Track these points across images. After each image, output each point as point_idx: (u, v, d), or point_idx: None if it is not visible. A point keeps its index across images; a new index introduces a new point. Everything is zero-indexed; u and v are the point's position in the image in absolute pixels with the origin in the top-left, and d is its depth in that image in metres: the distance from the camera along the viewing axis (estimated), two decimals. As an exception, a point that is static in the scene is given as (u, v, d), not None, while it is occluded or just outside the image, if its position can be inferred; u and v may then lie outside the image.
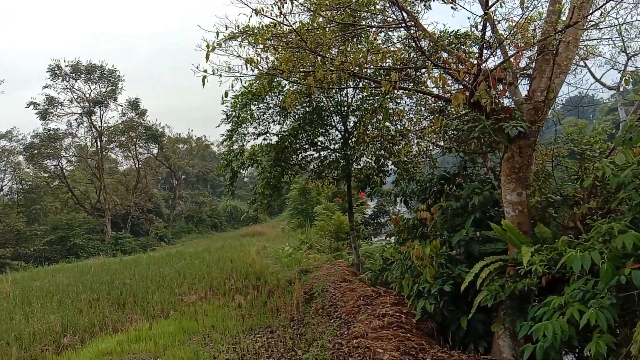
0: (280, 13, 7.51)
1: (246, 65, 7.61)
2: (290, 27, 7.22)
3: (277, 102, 12.88)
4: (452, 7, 9.16)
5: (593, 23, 11.16)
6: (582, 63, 13.43)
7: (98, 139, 44.26)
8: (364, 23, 9.45)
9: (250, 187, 14.85)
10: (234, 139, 12.87)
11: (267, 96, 12.62)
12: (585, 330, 5.21)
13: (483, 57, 6.12)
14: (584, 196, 6.59)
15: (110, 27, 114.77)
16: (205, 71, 6.94)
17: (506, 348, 7.08)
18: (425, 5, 10.02)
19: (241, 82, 7.60)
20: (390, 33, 10.75)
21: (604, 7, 11.06)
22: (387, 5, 8.94)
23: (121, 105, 45.10)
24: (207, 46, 6.54)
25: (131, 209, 46.95)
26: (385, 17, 9.59)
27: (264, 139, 13.58)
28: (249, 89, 12.11)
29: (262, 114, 13.10)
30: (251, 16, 7.46)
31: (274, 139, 13.66)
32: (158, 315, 11.75)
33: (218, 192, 70.76)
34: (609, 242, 5.35)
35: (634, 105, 10.14)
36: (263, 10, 7.41)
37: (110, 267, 20.41)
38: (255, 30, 7.66)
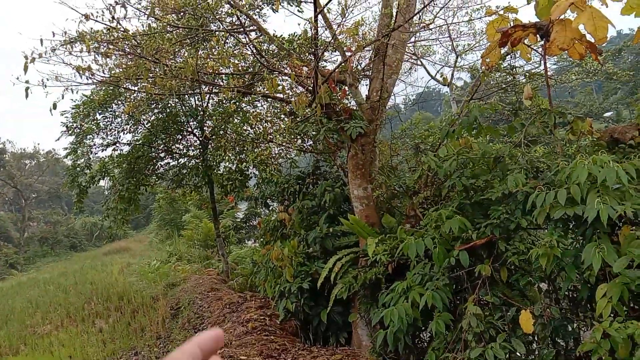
0: (113, 18, 7.09)
1: (79, 74, 7.08)
2: (124, 34, 6.84)
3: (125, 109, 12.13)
4: (298, 10, 9.46)
5: (424, 25, 12.23)
6: (419, 62, 14.70)
7: None
8: (213, 27, 9.26)
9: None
10: (78, 152, 11.83)
11: (114, 104, 11.81)
12: (428, 310, 5.65)
13: (317, 60, 6.33)
14: (421, 186, 7.15)
15: None
16: (27, 82, 6.30)
17: (364, 336, 7.45)
18: (272, 9, 10.14)
19: (72, 91, 7.00)
20: (241, 37, 10.69)
21: (433, 10, 12.24)
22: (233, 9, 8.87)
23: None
24: (26, 57, 5.92)
25: (-29, 236, 41.25)
26: (233, 22, 9.49)
27: (114, 150, 12.70)
28: (91, 97, 11.24)
29: (109, 123, 12.23)
30: (80, 22, 6.95)
31: (126, 148, 12.87)
32: (5, 353, 10.89)
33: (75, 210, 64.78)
34: (440, 228, 5.87)
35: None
36: (93, 15, 6.94)
37: (-52, 304, 17.86)
38: (87, 37, 7.13)
